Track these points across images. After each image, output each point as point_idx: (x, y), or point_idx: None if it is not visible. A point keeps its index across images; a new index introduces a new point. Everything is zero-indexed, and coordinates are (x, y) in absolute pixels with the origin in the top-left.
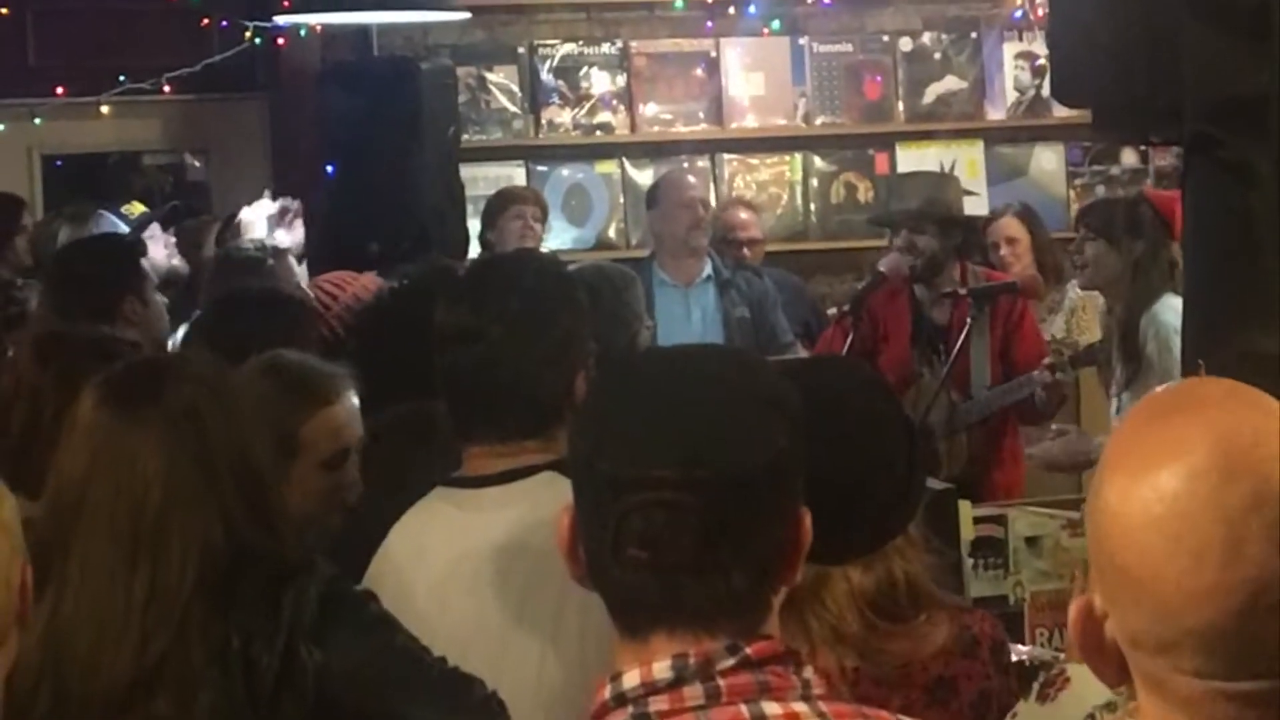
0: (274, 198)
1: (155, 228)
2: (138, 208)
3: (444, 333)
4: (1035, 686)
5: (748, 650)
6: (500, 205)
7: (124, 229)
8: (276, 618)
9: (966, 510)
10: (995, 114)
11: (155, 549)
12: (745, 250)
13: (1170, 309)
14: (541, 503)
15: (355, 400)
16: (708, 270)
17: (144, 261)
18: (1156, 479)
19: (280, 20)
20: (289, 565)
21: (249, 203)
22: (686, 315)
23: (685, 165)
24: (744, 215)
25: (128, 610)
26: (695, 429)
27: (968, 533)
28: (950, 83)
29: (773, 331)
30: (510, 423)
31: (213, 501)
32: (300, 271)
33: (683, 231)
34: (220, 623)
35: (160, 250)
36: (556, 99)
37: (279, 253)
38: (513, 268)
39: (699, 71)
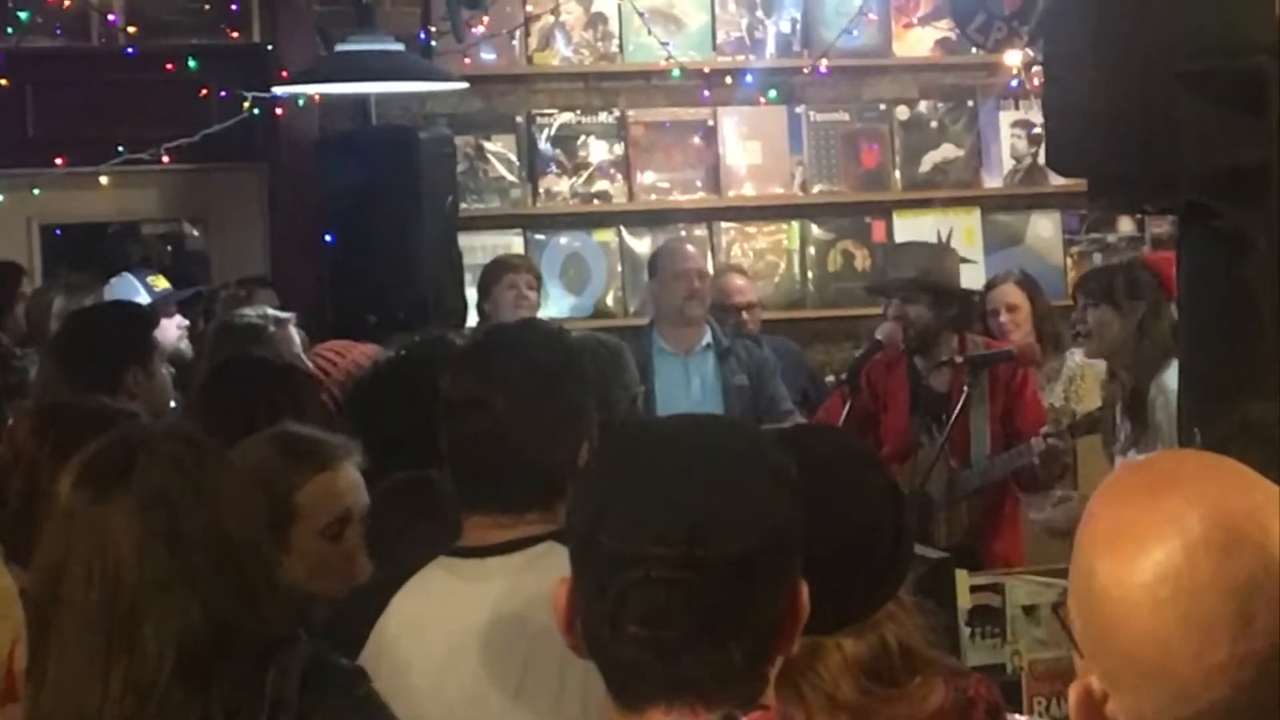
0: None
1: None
2: (162, 281)
3: (450, 402)
4: None
5: None
6: (494, 275)
7: (144, 297)
8: (259, 695)
9: (963, 579)
10: (992, 182)
11: (131, 638)
12: (744, 315)
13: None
14: (542, 573)
15: (356, 472)
16: (707, 339)
17: (155, 333)
18: (1153, 559)
19: (279, 90)
20: (272, 640)
21: (246, 272)
22: (686, 383)
23: (683, 233)
24: (739, 281)
25: (104, 703)
26: (697, 506)
27: (964, 601)
28: (947, 151)
29: (772, 400)
30: (514, 493)
31: (187, 583)
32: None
33: (679, 301)
34: (200, 703)
35: (172, 330)
36: (554, 168)
37: (280, 321)
38: (519, 338)
39: (696, 140)
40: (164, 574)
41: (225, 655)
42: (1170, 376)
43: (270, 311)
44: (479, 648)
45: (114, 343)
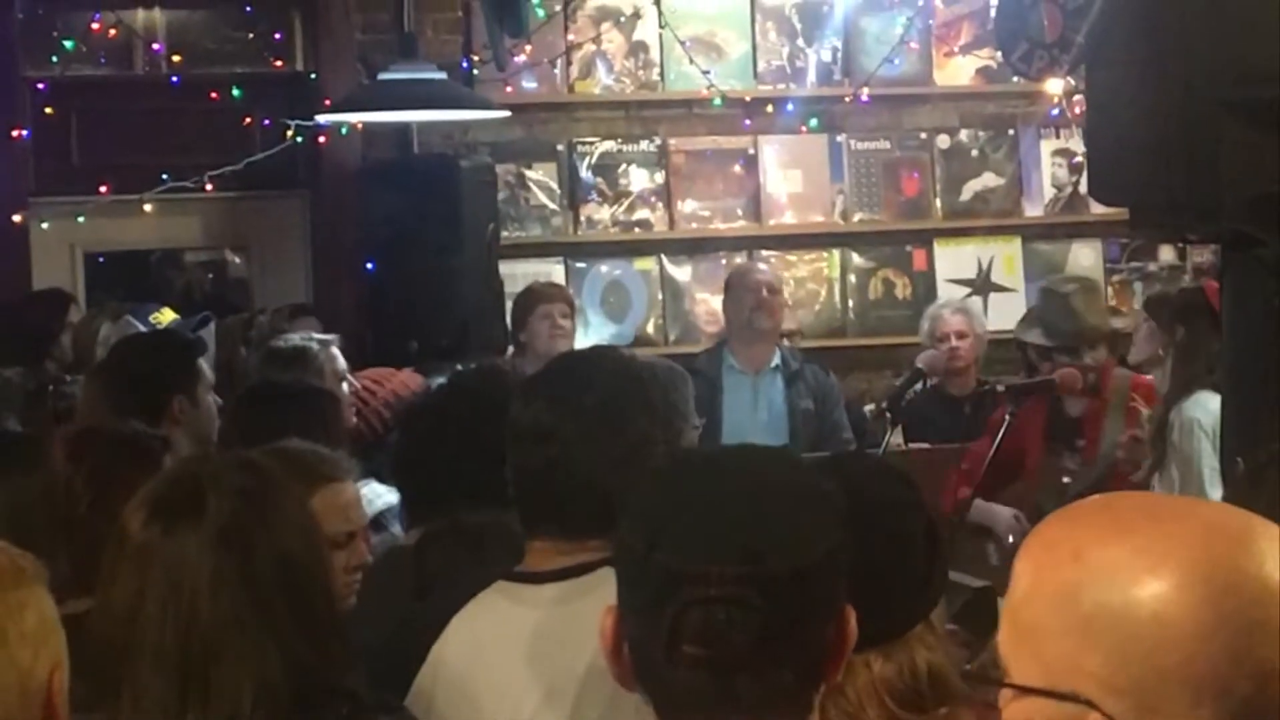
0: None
1: None
2: (167, 315)
3: (517, 429)
4: None
5: None
6: (527, 305)
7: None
8: None
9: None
10: (1033, 210)
11: (206, 677)
12: (785, 341)
13: (1199, 405)
14: (601, 599)
15: (358, 488)
16: (776, 360)
17: (201, 360)
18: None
19: (321, 119)
20: (366, 701)
21: (289, 300)
22: (754, 403)
23: (723, 262)
24: None
25: None
26: (756, 524)
27: None
28: (988, 179)
29: (835, 427)
30: (576, 521)
31: (263, 623)
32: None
33: (747, 313)
34: None
35: None
36: (595, 196)
37: (324, 343)
38: (589, 366)
39: (737, 169)
40: (239, 610)
41: (311, 708)
42: (1192, 405)
43: (315, 335)
44: (535, 673)
45: (158, 373)
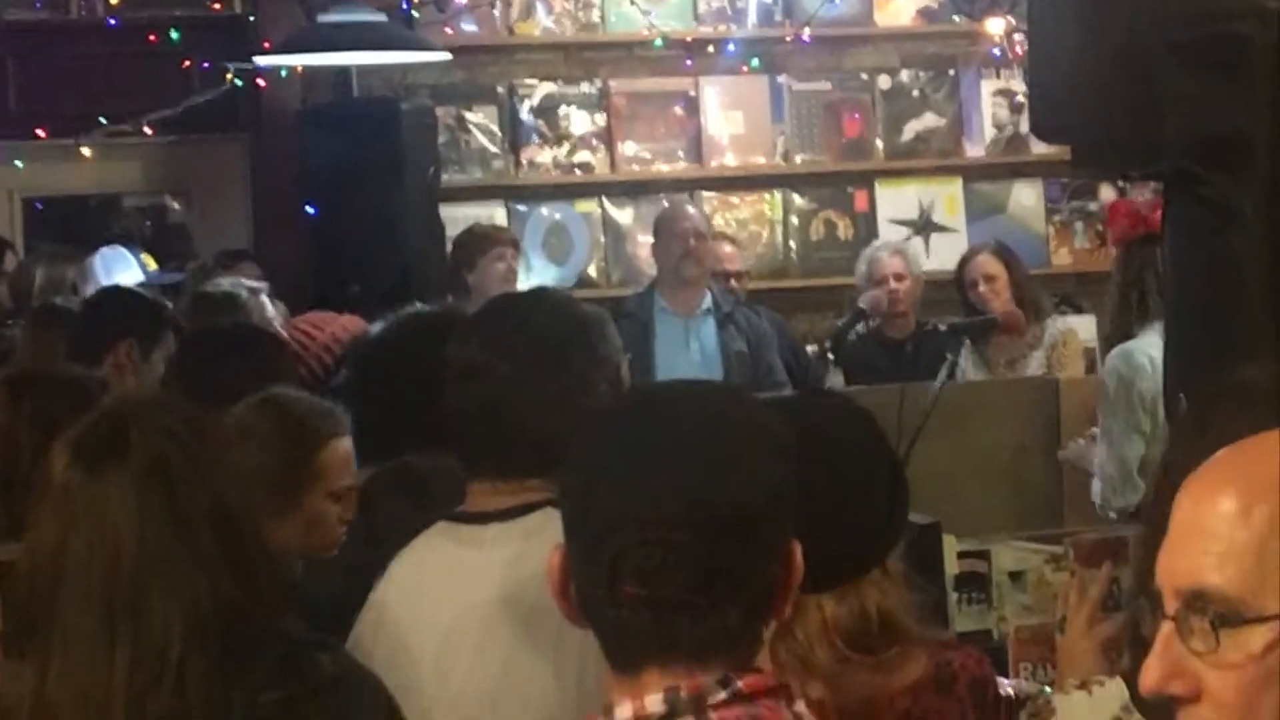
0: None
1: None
2: (153, 262)
3: (453, 368)
4: (1022, 717)
5: (739, 684)
6: (480, 247)
7: (137, 271)
8: (288, 685)
9: (950, 544)
10: (974, 151)
11: (135, 613)
12: (732, 283)
13: (1122, 353)
14: (542, 540)
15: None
16: (708, 302)
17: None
18: None
19: (260, 62)
20: (301, 640)
21: (229, 244)
22: (685, 345)
23: (665, 203)
24: (727, 249)
25: (111, 676)
26: (694, 467)
27: (951, 568)
28: (929, 120)
29: (769, 370)
30: (514, 460)
31: (191, 557)
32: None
33: (674, 261)
34: (222, 684)
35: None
36: (536, 138)
37: (253, 291)
38: (526, 306)
39: (678, 110)
40: (166, 547)
41: (251, 643)
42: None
43: (244, 281)
44: (477, 613)
45: (118, 311)
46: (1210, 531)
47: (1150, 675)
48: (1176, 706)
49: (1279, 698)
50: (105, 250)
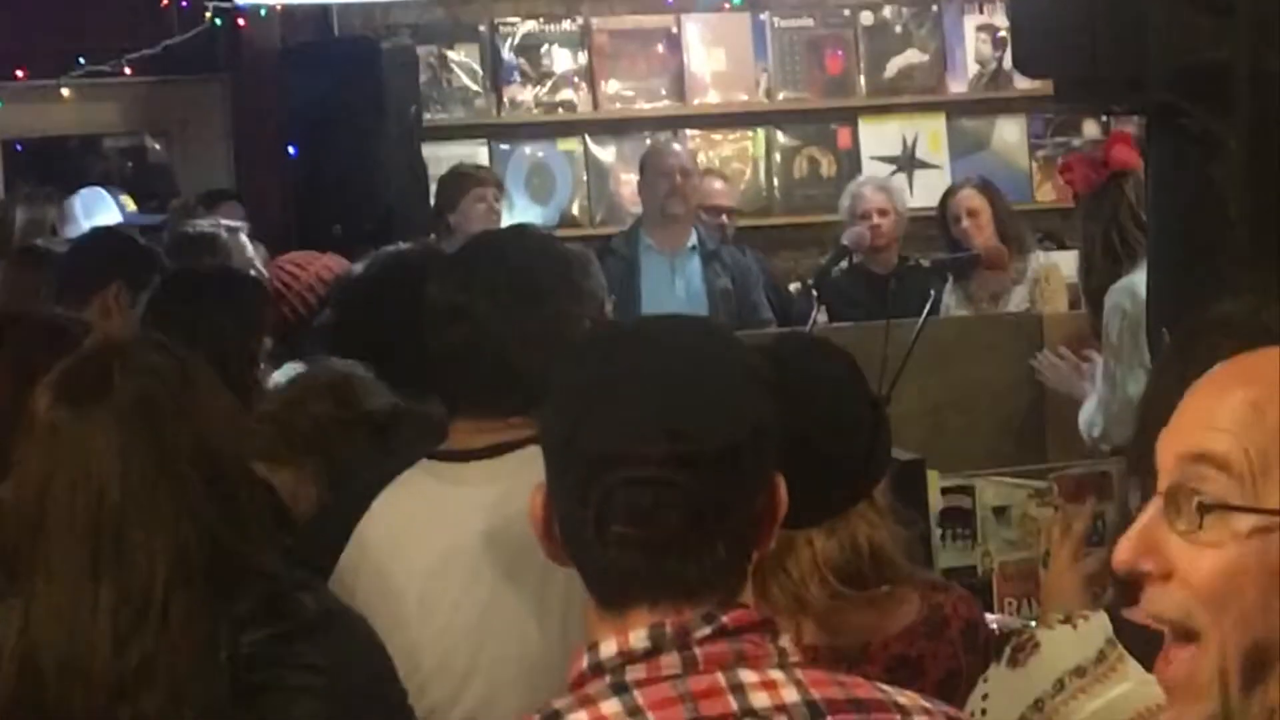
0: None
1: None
2: (131, 202)
3: (433, 307)
4: (1006, 651)
5: (724, 619)
6: (461, 187)
7: (116, 213)
8: (272, 624)
9: (934, 480)
10: (957, 87)
11: (118, 550)
12: (723, 219)
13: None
14: (525, 477)
15: None
16: (693, 240)
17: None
18: None
19: (240, 1)
20: (284, 578)
21: (211, 185)
22: (670, 282)
23: (648, 142)
24: (717, 185)
25: (95, 615)
26: (678, 404)
27: (935, 503)
28: (911, 56)
29: (754, 308)
30: (496, 398)
31: (174, 495)
32: (254, 251)
33: (660, 199)
34: (207, 620)
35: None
36: (518, 77)
37: (232, 230)
38: (504, 244)
39: (660, 48)
40: (149, 485)
41: (235, 581)
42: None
43: (223, 221)
44: (461, 551)
45: (109, 253)
46: (1222, 413)
47: (1124, 549)
48: (1144, 585)
49: (1249, 587)
50: (84, 192)
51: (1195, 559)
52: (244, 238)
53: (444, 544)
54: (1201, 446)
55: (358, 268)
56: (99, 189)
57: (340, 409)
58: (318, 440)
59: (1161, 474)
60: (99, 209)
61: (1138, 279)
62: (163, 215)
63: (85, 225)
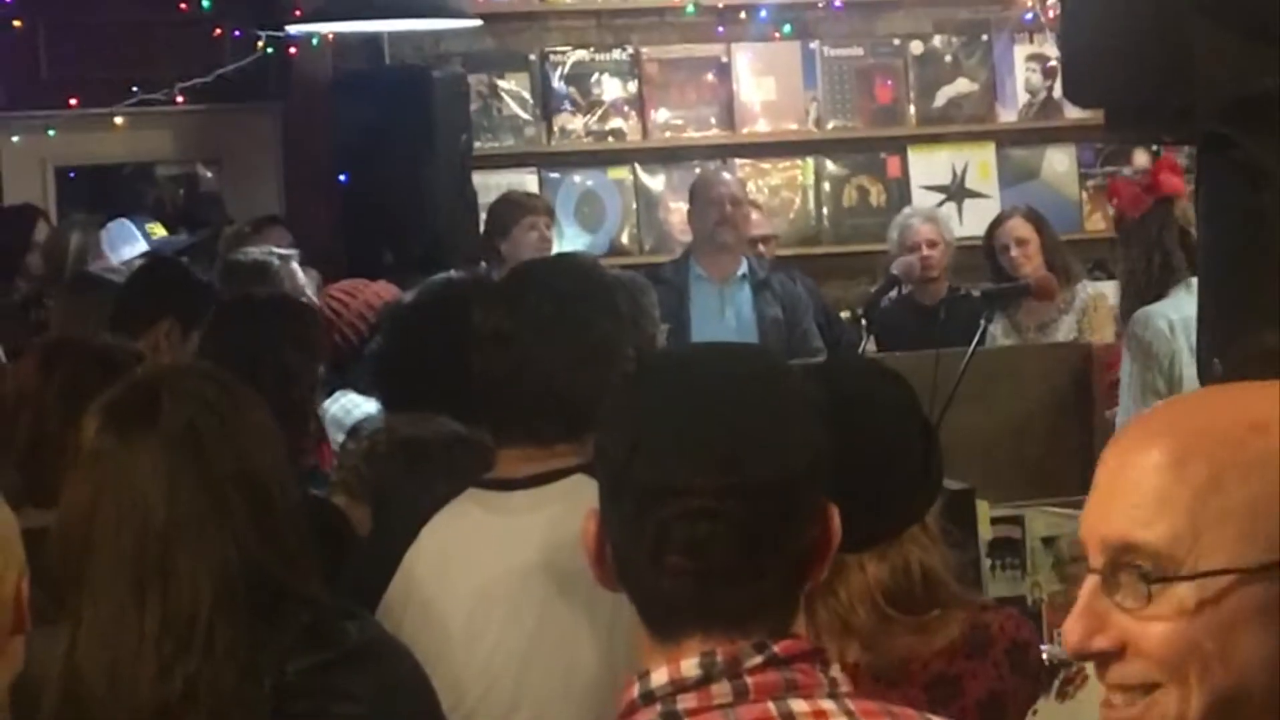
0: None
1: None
2: (159, 229)
3: (479, 335)
4: (1055, 684)
5: (775, 648)
6: (513, 215)
7: (142, 243)
8: (316, 653)
9: (984, 510)
10: (1007, 116)
11: (164, 575)
12: (760, 246)
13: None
14: (571, 507)
15: None
16: (743, 269)
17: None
18: None
19: (292, 30)
20: (329, 607)
21: (262, 213)
22: (721, 312)
23: (697, 170)
24: (752, 214)
25: (141, 640)
26: (735, 434)
27: (985, 533)
28: (961, 85)
29: (805, 336)
30: (542, 426)
31: (220, 522)
32: (306, 279)
33: (709, 227)
34: (251, 646)
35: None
36: (568, 105)
37: (284, 257)
38: (550, 272)
39: (710, 77)
40: (195, 511)
41: (272, 611)
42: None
43: (274, 249)
44: (506, 580)
45: (162, 287)
46: (1140, 484)
47: (1073, 634)
48: (1102, 665)
49: (1206, 642)
50: (111, 225)
51: (1145, 630)
52: (295, 265)
53: (490, 574)
54: (1128, 537)
55: (408, 296)
56: (125, 220)
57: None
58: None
59: (1090, 551)
60: (123, 241)
61: (1160, 307)
62: (191, 237)
63: (112, 258)
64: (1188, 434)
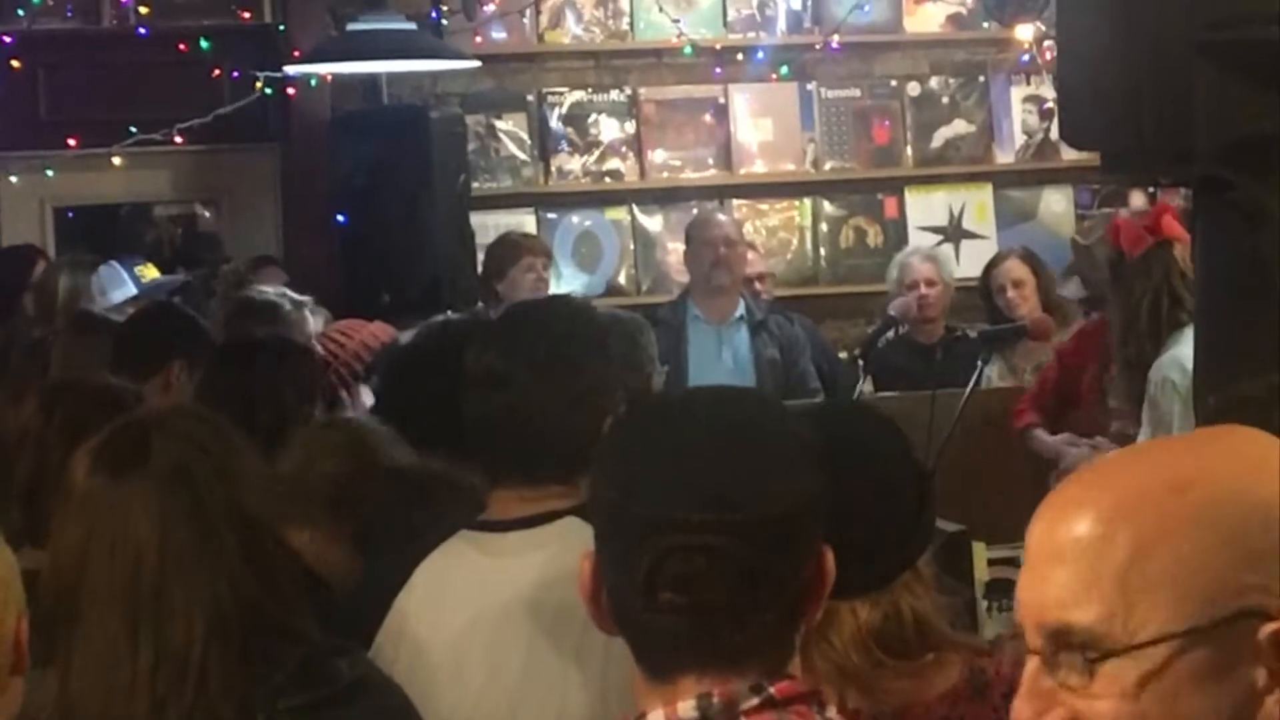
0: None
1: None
2: (151, 270)
3: (472, 377)
4: None
5: (771, 690)
6: (510, 256)
7: (131, 287)
8: (308, 691)
9: (980, 552)
10: (1004, 157)
11: (156, 613)
12: (757, 284)
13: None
14: (565, 548)
15: None
16: (740, 310)
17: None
18: None
19: (290, 70)
20: (321, 645)
21: (260, 253)
22: (718, 353)
23: (694, 211)
24: (748, 254)
25: (134, 678)
26: (729, 471)
27: (982, 574)
28: (959, 126)
29: (802, 377)
30: (535, 467)
31: (212, 561)
32: (316, 322)
33: (706, 269)
34: (244, 683)
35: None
36: (566, 146)
37: (297, 303)
38: (543, 314)
39: (708, 118)
40: (187, 550)
41: (264, 649)
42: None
43: (289, 292)
44: (497, 621)
45: (167, 330)
46: (1068, 562)
47: (1022, 714)
48: None
49: (1153, 709)
50: (102, 269)
51: (1092, 707)
52: (308, 312)
53: (480, 615)
54: (1062, 619)
55: (405, 337)
56: (114, 264)
57: (358, 464)
58: (336, 499)
59: (1028, 632)
60: (113, 286)
61: (1182, 352)
62: (182, 276)
63: (102, 303)
64: (1111, 503)
